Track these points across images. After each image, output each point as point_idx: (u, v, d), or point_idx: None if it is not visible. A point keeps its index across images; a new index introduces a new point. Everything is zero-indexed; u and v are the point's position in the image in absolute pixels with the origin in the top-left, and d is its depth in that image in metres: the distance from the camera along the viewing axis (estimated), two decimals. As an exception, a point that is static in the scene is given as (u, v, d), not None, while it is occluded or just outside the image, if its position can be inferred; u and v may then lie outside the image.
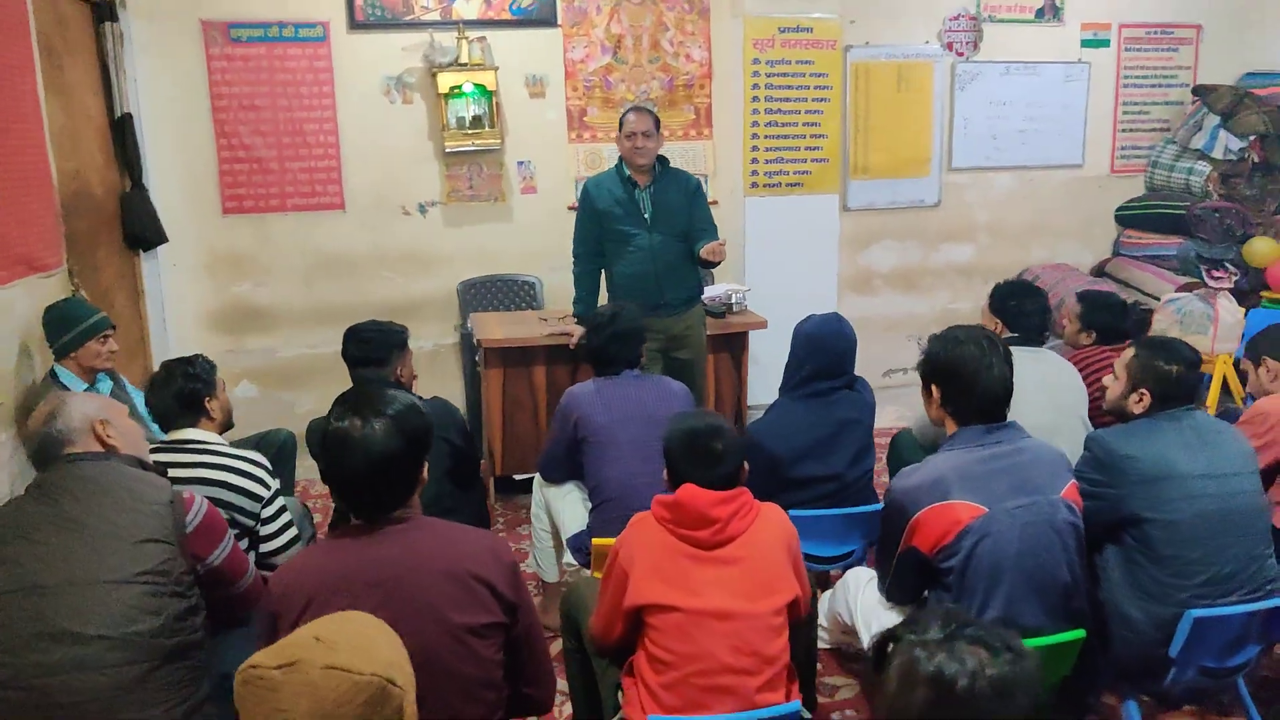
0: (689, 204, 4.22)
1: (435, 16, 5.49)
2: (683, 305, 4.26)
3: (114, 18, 4.80)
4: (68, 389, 3.44)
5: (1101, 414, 3.42)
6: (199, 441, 2.76)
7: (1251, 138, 6.08)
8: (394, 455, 1.85)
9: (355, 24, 5.44)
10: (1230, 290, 6.06)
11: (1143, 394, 2.57)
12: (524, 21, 5.64)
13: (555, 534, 3.40)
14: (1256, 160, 6.14)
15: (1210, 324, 5.71)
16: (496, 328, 4.57)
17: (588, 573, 3.01)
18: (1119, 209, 6.72)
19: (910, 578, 2.40)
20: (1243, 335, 5.78)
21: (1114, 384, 2.66)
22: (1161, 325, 5.93)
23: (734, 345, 4.72)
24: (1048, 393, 3.23)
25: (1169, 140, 6.61)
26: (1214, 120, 6.24)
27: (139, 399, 3.84)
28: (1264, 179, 6.22)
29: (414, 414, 1.92)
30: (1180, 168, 6.40)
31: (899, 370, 6.64)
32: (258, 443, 4.00)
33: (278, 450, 4.03)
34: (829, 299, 6.04)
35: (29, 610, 1.91)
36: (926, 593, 2.40)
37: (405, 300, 5.76)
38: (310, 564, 1.89)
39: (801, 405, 3.12)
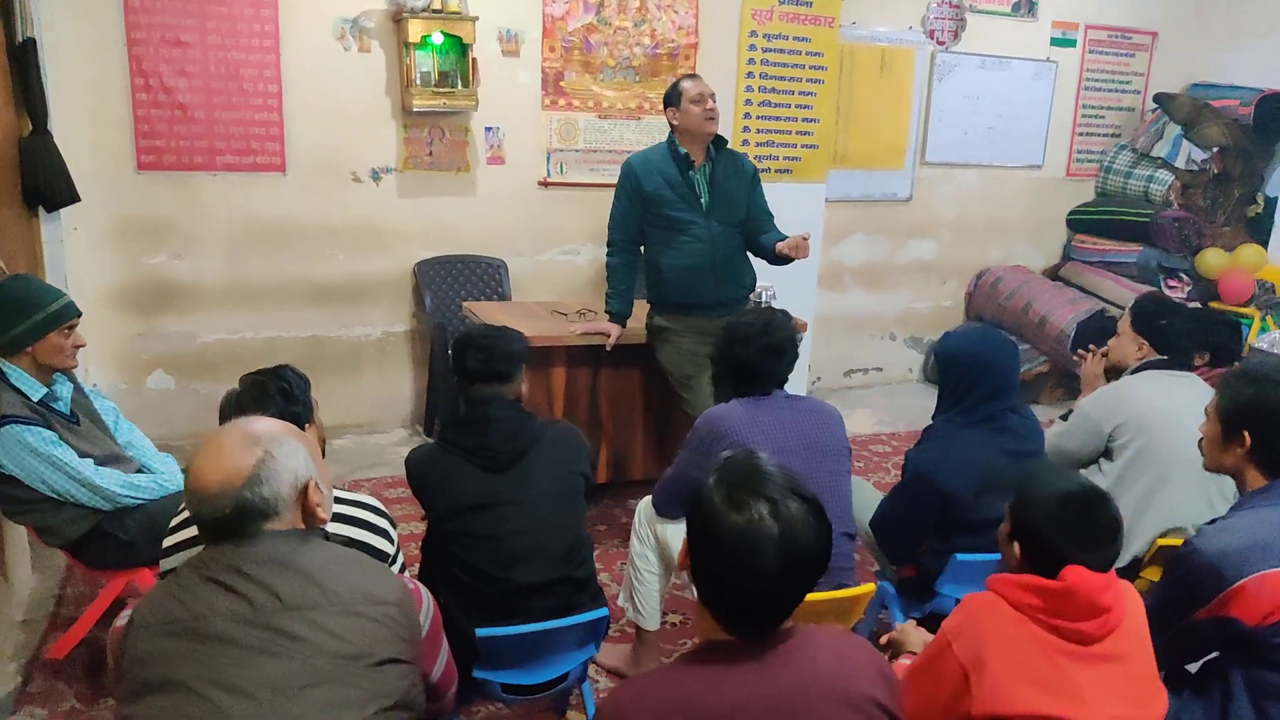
0: (749, 191, 3.75)
1: (400, -47, 4.73)
2: (736, 304, 3.78)
3: (7, -84, 3.82)
4: (23, 395, 2.62)
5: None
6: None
7: (1214, 149, 6.15)
8: (824, 549, 1.40)
9: (305, -46, 4.61)
10: (1184, 299, 6.15)
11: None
12: (500, -32, 4.96)
13: (662, 576, 2.87)
14: (1216, 172, 6.22)
15: (1183, 333, 5.73)
16: (512, 322, 3.92)
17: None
18: (1071, 213, 6.70)
19: (1200, 649, 2.06)
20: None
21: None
22: (1130, 332, 5.92)
23: (763, 348, 4.27)
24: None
25: (1122, 146, 6.63)
26: (1175, 130, 6.29)
27: (100, 404, 3.02)
28: (1217, 191, 6.32)
29: (803, 481, 1.43)
30: (1138, 175, 6.42)
31: (860, 370, 6.39)
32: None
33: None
34: (808, 297, 5.68)
35: None
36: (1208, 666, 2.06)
37: (351, 280, 5.00)
38: (674, 697, 1.37)
39: (973, 433, 2.70)
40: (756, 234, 3.74)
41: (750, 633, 1.40)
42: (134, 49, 4.39)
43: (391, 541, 2.07)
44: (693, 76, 3.66)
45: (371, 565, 1.57)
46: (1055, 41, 6.36)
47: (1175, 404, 2.96)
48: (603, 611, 2.39)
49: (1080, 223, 6.69)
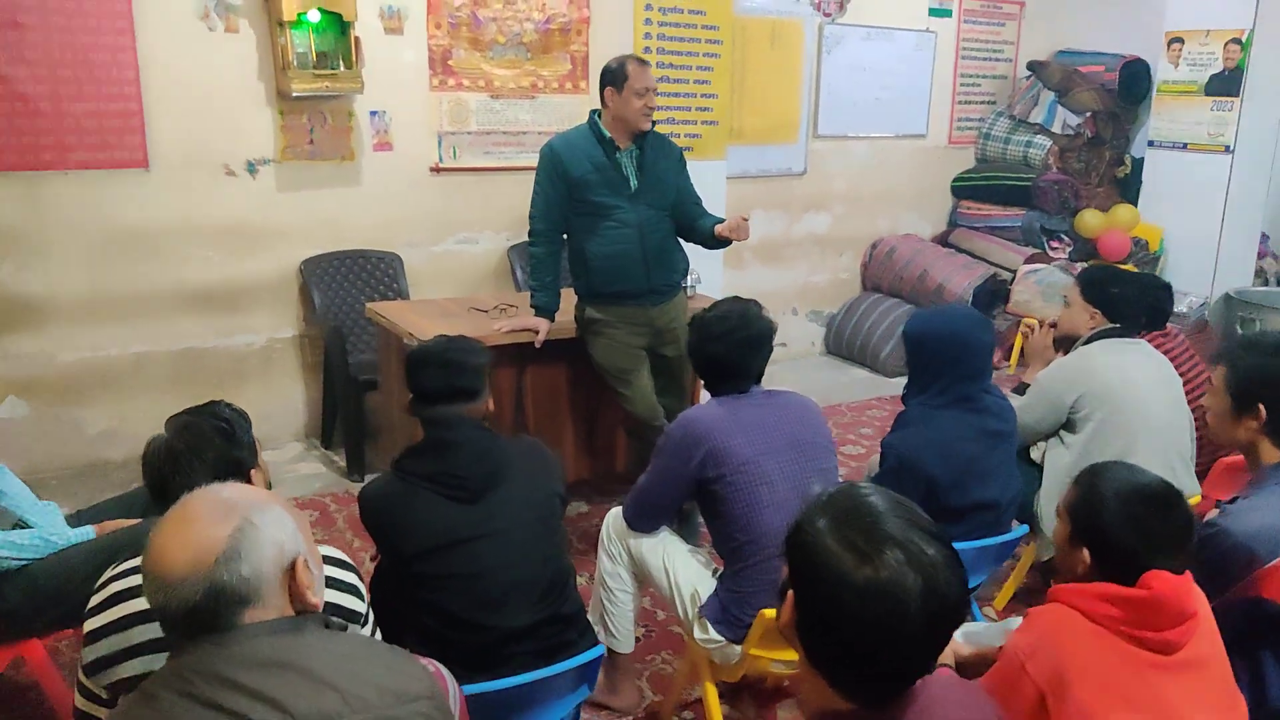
0: (677, 174, 3.55)
1: (265, -79, 4.29)
2: (670, 292, 3.59)
3: None
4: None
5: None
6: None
7: (1087, 114, 6.33)
8: (966, 596, 1.20)
9: (156, -79, 4.11)
10: (1066, 260, 6.33)
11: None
12: (376, -62, 4.57)
13: (636, 594, 2.66)
14: (1090, 135, 6.41)
15: (1073, 294, 5.89)
16: (428, 323, 3.61)
17: (736, 649, 2.33)
18: (956, 179, 6.80)
19: (1229, 630, 2.00)
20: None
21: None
22: (1023, 296, 6.06)
23: (692, 334, 4.10)
24: (1166, 387, 2.98)
25: (999, 113, 6.76)
26: (1050, 96, 6.45)
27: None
28: (1090, 154, 6.53)
29: (925, 516, 1.21)
30: (1017, 140, 6.56)
31: (764, 348, 6.31)
32: (129, 507, 2.82)
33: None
34: (716, 277, 5.55)
35: None
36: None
37: (229, 284, 4.54)
38: None
39: (949, 416, 2.59)
40: (689, 218, 3.56)
41: (876, 699, 1.18)
42: (-41, 32, 3.82)
43: (361, 598, 1.79)
44: (641, 62, 3.35)
45: (389, 653, 1.31)
46: (933, 11, 6.41)
47: (1134, 372, 2.96)
48: (598, 650, 2.15)
49: (964, 189, 6.80)
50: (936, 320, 2.73)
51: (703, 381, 2.54)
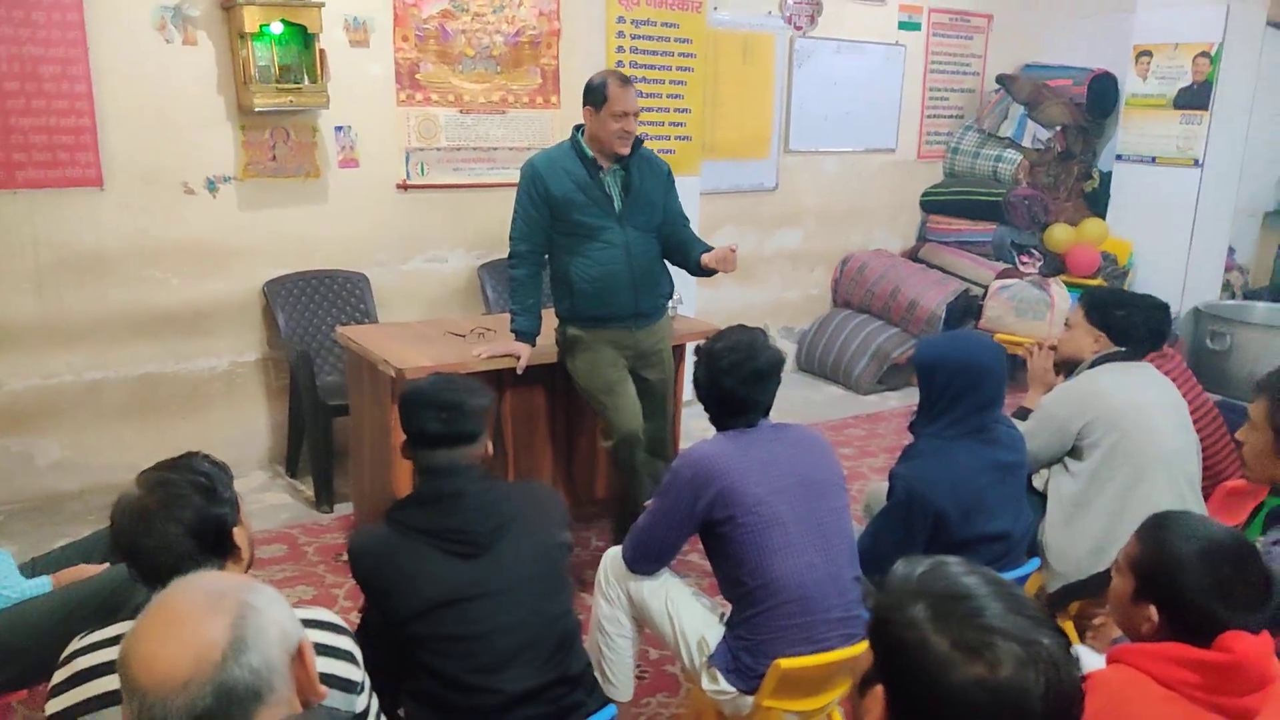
0: (664, 193, 3.44)
1: (225, -71, 4.12)
2: (655, 315, 3.48)
3: None
4: None
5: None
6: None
7: (1057, 128, 6.34)
8: (1082, 693, 1.02)
9: (109, -71, 3.92)
10: (1036, 275, 6.32)
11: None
12: (341, -52, 4.41)
13: (635, 639, 2.53)
14: (1060, 149, 6.42)
15: (1047, 309, 5.89)
16: (403, 349, 3.46)
17: (748, 700, 2.21)
18: (925, 194, 6.78)
19: None
20: (1062, 318, 6.03)
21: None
22: (996, 312, 6.04)
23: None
24: (1174, 411, 2.91)
25: (968, 127, 6.75)
26: (1019, 110, 6.44)
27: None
28: (1059, 168, 6.54)
29: (1025, 594, 1.09)
30: (986, 155, 6.55)
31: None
32: (89, 553, 2.64)
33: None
34: (688, 297, 5.45)
35: None
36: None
37: (189, 307, 4.35)
38: None
39: (961, 447, 2.50)
40: (675, 241, 3.45)
41: None
42: (-102, 44, 3.61)
43: (358, 665, 1.65)
44: (624, 82, 3.23)
45: None
46: (902, 25, 6.38)
47: (1141, 395, 2.89)
48: (610, 711, 2.03)
49: (933, 204, 6.77)
50: (950, 347, 2.62)
51: (709, 415, 2.42)
